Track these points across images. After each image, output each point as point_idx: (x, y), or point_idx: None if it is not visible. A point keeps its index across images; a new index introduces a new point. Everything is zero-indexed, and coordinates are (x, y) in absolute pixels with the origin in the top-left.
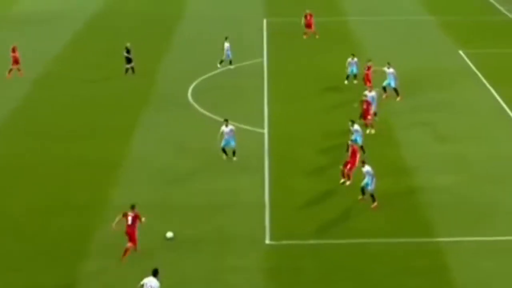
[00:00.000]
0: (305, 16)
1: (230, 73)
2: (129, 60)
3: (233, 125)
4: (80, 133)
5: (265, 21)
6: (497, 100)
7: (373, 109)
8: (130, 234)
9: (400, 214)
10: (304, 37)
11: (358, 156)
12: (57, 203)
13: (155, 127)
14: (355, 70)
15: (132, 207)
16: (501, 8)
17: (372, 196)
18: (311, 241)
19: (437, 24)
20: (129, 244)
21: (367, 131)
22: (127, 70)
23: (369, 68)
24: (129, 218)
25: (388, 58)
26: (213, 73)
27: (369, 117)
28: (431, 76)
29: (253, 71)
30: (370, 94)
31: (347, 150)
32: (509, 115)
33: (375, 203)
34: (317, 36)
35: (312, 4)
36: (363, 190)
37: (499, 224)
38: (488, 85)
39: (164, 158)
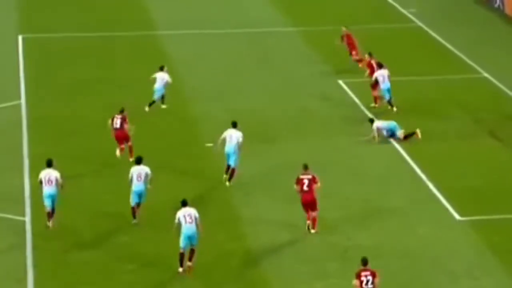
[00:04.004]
0: (343, 37)
1: None
2: None
3: None
4: None
5: (20, 38)
6: (399, 154)
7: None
8: (121, 136)
9: None
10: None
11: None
12: None
13: None
14: (387, 87)
15: (121, 111)
16: (404, 11)
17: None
18: None
19: (307, 38)
20: (122, 146)
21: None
22: None
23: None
24: (118, 121)
25: (232, 91)
26: None
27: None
28: (292, 119)
29: (4, 121)
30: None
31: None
32: (419, 177)
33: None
34: (360, 65)
35: (107, 11)
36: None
37: None
38: None
39: None
